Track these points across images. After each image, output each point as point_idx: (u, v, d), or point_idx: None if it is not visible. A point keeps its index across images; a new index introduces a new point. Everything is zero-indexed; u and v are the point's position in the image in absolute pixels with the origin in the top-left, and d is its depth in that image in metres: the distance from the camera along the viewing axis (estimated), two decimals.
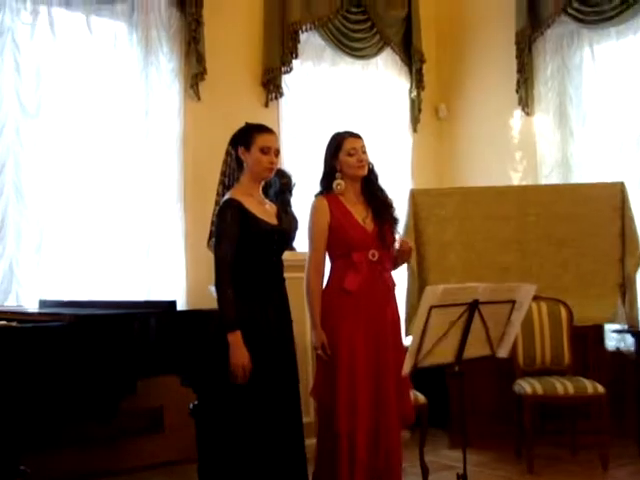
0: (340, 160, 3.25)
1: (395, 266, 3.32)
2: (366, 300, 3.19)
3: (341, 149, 3.24)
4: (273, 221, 3.01)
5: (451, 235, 4.93)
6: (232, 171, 3.06)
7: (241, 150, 2.96)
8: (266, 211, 3.01)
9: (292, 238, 4.40)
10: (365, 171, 3.27)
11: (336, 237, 3.22)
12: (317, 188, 3.38)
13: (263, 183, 3.08)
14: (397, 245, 3.26)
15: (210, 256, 3.02)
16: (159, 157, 5.01)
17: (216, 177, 3.20)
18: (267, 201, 3.08)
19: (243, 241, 2.89)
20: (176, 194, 5.03)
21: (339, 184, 3.25)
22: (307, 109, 5.75)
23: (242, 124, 3.08)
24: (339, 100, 5.95)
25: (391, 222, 3.29)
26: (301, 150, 5.65)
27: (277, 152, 2.98)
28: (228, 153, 3.07)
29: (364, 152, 3.27)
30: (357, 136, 3.32)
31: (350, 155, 3.22)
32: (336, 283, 3.21)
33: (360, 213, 3.27)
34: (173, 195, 5.02)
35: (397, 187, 6.03)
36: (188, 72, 5.13)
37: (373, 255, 3.20)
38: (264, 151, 2.93)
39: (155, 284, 4.89)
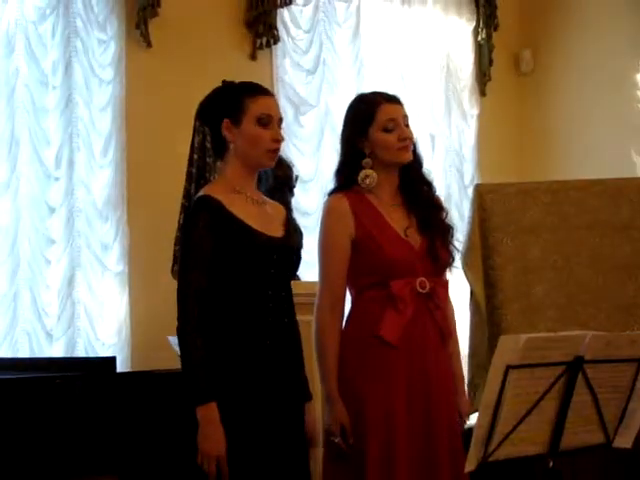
0: (371, 139, 3.26)
1: None
2: (411, 356, 3.20)
3: (373, 121, 3.25)
4: (276, 231, 3.04)
5: (538, 254, 4.90)
6: (205, 158, 3.23)
7: (226, 125, 2.98)
8: (265, 215, 3.05)
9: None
10: (410, 155, 3.28)
11: (365, 257, 3.24)
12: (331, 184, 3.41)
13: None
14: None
15: (169, 289, 3.08)
16: (86, 139, 5.10)
17: (179, 170, 3.40)
18: (269, 200, 3.13)
19: (225, 264, 2.92)
20: (114, 197, 5.12)
21: (368, 176, 3.26)
22: (317, 63, 5.83)
23: (217, 84, 3.10)
24: (366, 50, 5.98)
25: (443, 233, 3.33)
26: (308, 127, 5.75)
27: (280, 121, 3.04)
28: (197, 131, 3.20)
29: (407, 125, 3.29)
30: (396, 101, 3.32)
31: (388, 131, 3.23)
32: (364, 328, 3.22)
33: (399, 220, 3.30)
34: (109, 199, 5.11)
35: (453, 181, 6.15)
36: (132, 5, 5.26)
37: (422, 285, 3.22)
38: (263, 122, 2.96)
39: (82, 333, 4.99)
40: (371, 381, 3.16)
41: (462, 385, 3.41)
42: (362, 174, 3.24)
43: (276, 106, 3.04)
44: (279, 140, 2.98)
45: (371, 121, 3.23)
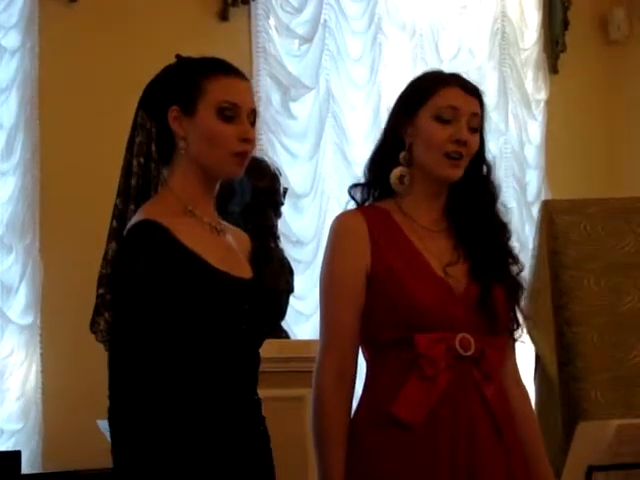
0: (417, 124, 3.06)
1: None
2: (444, 445, 2.90)
3: (428, 101, 3.06)
4: (243, 271, 2.89)
5: (637, 303, 4.73)
6: (149, 166, 2.98)
7: (174, 114, 2.84)
8: (227, 249, 2.92)
9: (284, 307, 4.53)
10: (459, 173, 3.06)
11: (382, 301, 3.02)
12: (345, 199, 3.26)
13: (218, 186, 2.96)
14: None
15: (98, 351, 2.96)
16: None
17: (117, 178, 3.03)
18: (228, 225, 3.02)
19: (174, 319, 2.76)
20: (21, 218, 5.03)
21: (405, 175, 3.07)
22: (314, 26, 5.65)
23: (169, 56, 2.95)
24: (384, 8, 5.83)
25: (509, 287, 3.08)
26: (302, 118, 5.60)
27: (253, 115, 2.89)
28: (140, 127, 2.96)
29: (474, 128, 3.06)
30: (473, 92, 3.13)
31: (441, 121, 3.04)
32: (379, 403, 2.96)
33: (439, 252, 3.08)
34: (13, 221, 5.01)
35: (511, 195, 6.06)
36: None
37: (464, 343, 2.98)
38: (226, 115, 2.83)
39: None
40: None
41: None
42: (396, 172, 3.07)
43: (248, 93, 2.92)
44: (249, 140, 2.84)
45: (425, 100, 3.08)
